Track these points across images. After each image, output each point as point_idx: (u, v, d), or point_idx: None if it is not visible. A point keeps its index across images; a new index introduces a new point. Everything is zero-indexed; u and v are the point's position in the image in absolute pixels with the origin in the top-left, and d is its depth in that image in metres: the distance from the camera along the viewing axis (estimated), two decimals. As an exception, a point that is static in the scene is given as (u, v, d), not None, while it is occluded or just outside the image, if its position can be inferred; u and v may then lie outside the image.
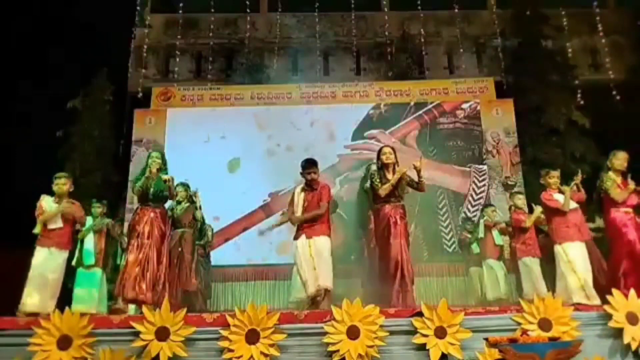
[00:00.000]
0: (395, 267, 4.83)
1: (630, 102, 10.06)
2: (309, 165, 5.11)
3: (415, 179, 5.16)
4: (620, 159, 5.09)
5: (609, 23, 11.45)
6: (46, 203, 5.13)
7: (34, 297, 4.83)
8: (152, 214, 5.07)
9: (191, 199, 6.49)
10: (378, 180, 5.07)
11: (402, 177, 5.05)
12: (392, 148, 5.28)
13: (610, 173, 5.07)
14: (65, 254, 5.14)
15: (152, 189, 5.09)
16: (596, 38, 11.45)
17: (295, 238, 5.08)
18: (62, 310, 3.84)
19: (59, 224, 5.06)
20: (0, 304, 4.50)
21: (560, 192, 5.30)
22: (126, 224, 8.22)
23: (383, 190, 5.00)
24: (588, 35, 11.71)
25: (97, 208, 6.52)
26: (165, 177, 5.12)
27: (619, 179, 5.03)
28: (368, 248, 5.97)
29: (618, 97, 10.24)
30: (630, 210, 4.98)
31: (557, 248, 5.16)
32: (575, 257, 5.03)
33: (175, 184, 5.47)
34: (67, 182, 5.20)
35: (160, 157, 5.24)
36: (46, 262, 4.98)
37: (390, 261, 4.86)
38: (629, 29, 11.88)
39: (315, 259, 4.84)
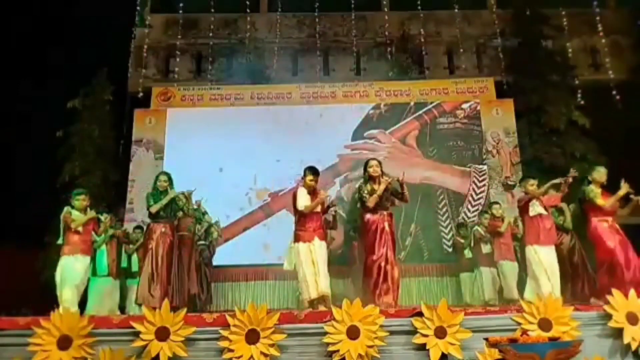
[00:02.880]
0: (380, 272, 5.03)
1: (630, 102, 10.05)
2: (311, 172, 5.41)
3: (399, 189, 5.36)
4: (601, 172, 5.47)
5: (609, 23, 11.44)
6: (73, 213, 5.58)
7: (72, 299, 5.25)
8: (162, 228, 5.63)
9: (190, 205, 6.62)
10: (366, 192, 5.29)
11: (387, 187, 5.25)
12: (379, 161, 5.46)
13: (592, 185, 5.41)
14: (87, 259, 5.56)
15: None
16: (596, 38, 11.44)
17: (297, 240, 5.29)
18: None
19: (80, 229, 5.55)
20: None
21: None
22: (126, 224, 8.29)
23: (371, 202, 5.23)
24: (588, 35, 11.68)
25: (106, 218, 6.75)
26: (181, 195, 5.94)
27: (599, 190, 5.38)
28: (359, 255, 6.29)
29: (618, 97, 10.23)
30: (609, 218, 5.32)
31: (529, 249, 5.44)
32: (545, 259, 5.33)
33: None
34: (86, 199, 5.67)
35: (168, 178, 5.80)
36: (73, 267, 5.38)
37: (375, 264, 5.06)
38: (629, 29, 11.86)
39: (316, 265, 5.11)
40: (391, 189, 5.32)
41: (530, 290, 5.33)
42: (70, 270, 5.35)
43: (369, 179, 5.35)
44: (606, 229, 5.27)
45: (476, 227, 7.68)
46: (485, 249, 7.40)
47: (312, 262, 5.13)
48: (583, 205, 5.51)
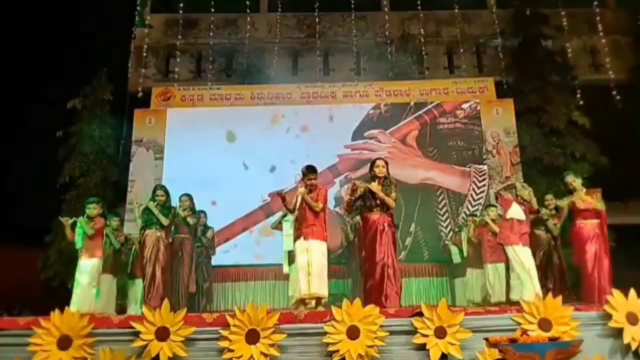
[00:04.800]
0: (383, 273, 5.03)
1: (630, 102, 10.05)
2: (309, 172, 5.39)
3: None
4: (566, 179, 5.84)
5: (609, 23, 11.43)
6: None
7: (85, 300, 5.54)
8: (158, 233, 5.95)
9: (193, 208, 6.83)
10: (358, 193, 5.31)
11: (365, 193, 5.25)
12: (386, 161, 5.43)
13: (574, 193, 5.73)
14: (99, 261, 5.84)
15: (157, 217, 5.98)
16: (596, 38, 11.43)
17: (296, 239, 5.32)
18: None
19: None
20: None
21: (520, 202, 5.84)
22: (126, 224, 8.30)
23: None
24: (588, 35, 11.68)
25: (114, 221, 6.93)
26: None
27: (577, 194, 5.69)
28: (358, 254, 6.29)
29: (618, 97, 10.23)
30: (592, 221, 5.58)
31: (509, 249, 5.63)
32: (525, 259, 5.51)
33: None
34: (97, 207, 5.90)
35: (164, 192, 6.15)
36: (86, 269, 5.69)
37: (377, 266, 5.06)
38: (629, 29, 11.86)
39: (311, 264, 5.07)
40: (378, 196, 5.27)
41: (516, 291, 5.47)
42: (82, 272, 5.65)
43: (374, 178, 5.32)
44: (585, 232, 5.54)
45: (464, 229, 7.78)
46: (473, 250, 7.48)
47: (307, 262, 5.12)
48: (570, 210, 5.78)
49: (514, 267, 5.55)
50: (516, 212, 5.68)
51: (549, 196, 6.62)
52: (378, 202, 5.21)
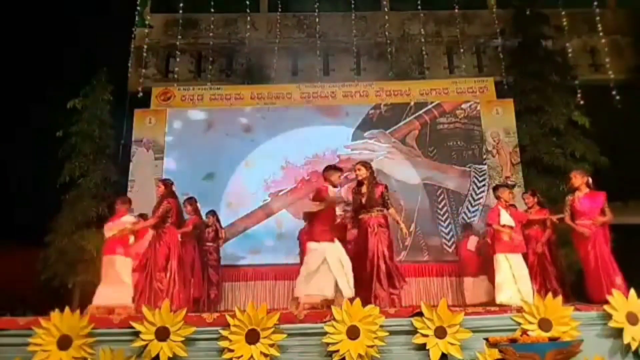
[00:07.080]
0: (371, 272, 5.07)
1: (630, 102, 10.05)
2: (335, 171, 5.55)
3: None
4: (573, 178, 5.89)
5: (609, 23, 11.42)
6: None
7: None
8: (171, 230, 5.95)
9: (198, 211, 6.97)
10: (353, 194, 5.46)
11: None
12: (364, 163, 5.54)
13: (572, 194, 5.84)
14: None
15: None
16: (596, 38, 11.43)
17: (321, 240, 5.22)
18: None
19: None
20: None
21: (512, 206, 5.99)
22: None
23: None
24: (588, 35, 11.68)
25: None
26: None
27: (577, 194, 5.77)
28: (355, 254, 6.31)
29: (618, 97, 10.22)
30: (589, 221, 5.60)
31: (499, 256, 5.66)
32: (515, 266, 5.55)
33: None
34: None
35: (160, 183, 6.16)
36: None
37: (366, 266, 5.11)
38: (629, 29, 11.86)
39: (344, 266, 5.06)
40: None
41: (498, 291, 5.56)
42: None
43: (360, 183, 5.45)
44: (583, 232, 5.58)
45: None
46: None
47: (320, 263, 5.08)
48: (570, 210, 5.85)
49: (501, 273, 5.57)
50: (506, 219, 5.72)
51: (526, 195, 6.80)
52: (374, 203, 5.26)
